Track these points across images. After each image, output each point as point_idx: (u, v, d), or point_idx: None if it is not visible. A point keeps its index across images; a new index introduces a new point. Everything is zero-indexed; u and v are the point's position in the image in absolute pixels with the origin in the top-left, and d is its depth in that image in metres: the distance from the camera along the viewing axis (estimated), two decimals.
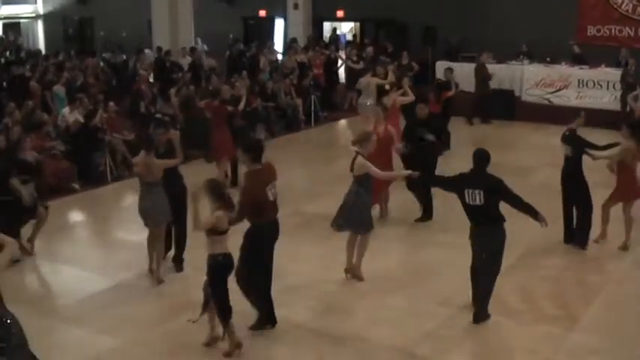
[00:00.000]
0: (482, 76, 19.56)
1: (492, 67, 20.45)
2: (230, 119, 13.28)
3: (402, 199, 11.76)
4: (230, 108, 13.37)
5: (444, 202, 10.83)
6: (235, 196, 7.59)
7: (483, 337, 7.85)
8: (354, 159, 8.81)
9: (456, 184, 8.09)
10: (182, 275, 9.46)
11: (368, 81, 16.44)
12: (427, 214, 11.41)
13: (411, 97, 13.89)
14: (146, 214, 9.09)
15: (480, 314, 8.09)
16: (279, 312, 7.88)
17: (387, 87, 15.87)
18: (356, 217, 8.89)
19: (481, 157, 7.94)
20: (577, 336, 7.83)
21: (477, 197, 7.79)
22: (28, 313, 7.96)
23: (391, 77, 16.54)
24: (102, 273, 9.64)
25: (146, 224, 9.22)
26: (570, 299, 8.73)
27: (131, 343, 7.79)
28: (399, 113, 13.83)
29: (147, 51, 22.39)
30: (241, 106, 13.83)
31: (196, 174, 13.27)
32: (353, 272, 9.18)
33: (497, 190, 7.82)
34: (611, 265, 9.83)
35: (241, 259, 7.49)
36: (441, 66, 21.51)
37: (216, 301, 7.14)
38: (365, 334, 7.81)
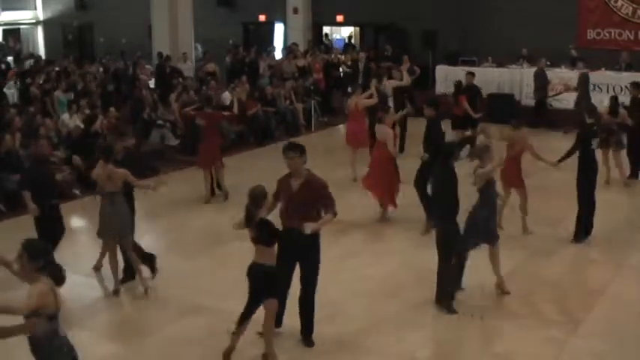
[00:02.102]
0: (540, 82, 19.31)
1: (492, 71, 20.47)
2: (220, 125, 13.20)
3: (405, 202, 11.79)
4: (226, 113, 13.37)
5: None
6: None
7: (485, 341, 7.84)
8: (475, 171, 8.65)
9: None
10: (183, 281, 9.45)
11: (384, 84, 16.47)
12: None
13: (374, 100, 13.99)
14: (114, 223, 8.92)
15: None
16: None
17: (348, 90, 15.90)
18: (481, 228, 8.71)
19: (441, 150, 8.56)
20: (579, 340, 7.82)
21: (429, 188, 8.22)
22: None
23: (407, 79, 16.58)
24: (103, 279, 9.63)
25: (118, 235, 9.05)
26: (572, 303, 8.72)
27: (132, 349, 7.78)
28: (362, 115, 13.85)
29: (148, 66, 22.21)
30: (235, 109, 13.74)
31: (195, 180, 13.35)
32: (501, 286, 8.92)
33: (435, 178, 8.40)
34: (612, 268, 9.82)
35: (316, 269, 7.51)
36: (440, 70, 21.58)
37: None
38: (366, 339, 7.80)
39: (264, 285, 7.02)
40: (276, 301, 7.13)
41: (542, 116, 19.04)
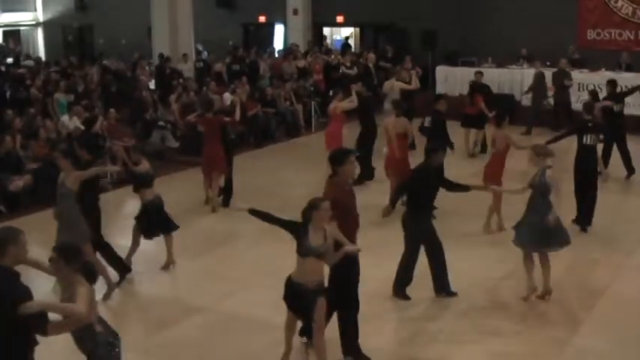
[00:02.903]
0: (561, 83, 18.81)
1: (492, 72, 20.45)
2: (224, 131, 12.91)
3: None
4: (227, 119, 13.15)
5: (451, 207, 10.91)
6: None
7: (486, 341, 7.83)
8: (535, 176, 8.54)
9: None
10: (183, 283, 9.45)
11: (391, 85, 16.47)
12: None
13: (354, 104, 14.00)
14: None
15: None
16: (278, 319, 7.84)
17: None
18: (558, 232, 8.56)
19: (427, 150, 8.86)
20: (580, 340, 7.81)
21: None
22: None
23: (416, 82, 16.60)
24: (101, 279, 9.61)
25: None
26: (572, 303, 8.72)
27: (132, 350, 7.77)
28: (341, 118, 13.87)
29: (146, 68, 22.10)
30: (237, 116, 13.55)
31: (196, 181, 13.34)
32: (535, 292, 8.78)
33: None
34: (612, 267, 9.81)
35: None
36: (440, 71, 21.58)
37: None
38: (368, 339, 7.78)
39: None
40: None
41: (564, 118, 18.94)
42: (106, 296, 8.83)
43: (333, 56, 23.48)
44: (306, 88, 20.59)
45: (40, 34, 33.40)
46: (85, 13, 31.41)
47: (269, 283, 8.54)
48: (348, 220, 7.08)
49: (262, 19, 28.34)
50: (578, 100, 19.06)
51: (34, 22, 33.27)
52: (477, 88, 16.44)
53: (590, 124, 10.94)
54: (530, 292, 8.64)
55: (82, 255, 5.69)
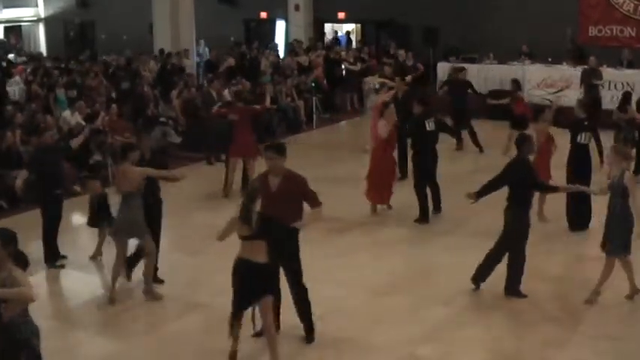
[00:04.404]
0: (589, 81, 18.44)
1: (493, 68, 20.44)
2: (255, 119, 13.29)
3: (404, 199, 11.81)
4: (257, 107, 13.41)
5: (453, 204, 10.91)
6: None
7: (487, 338, 7.83)
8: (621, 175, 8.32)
9: None
10: (184, 278, 9.45)
11: (374, 82, 16.47)
12: (423, 216, 11.45)
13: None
14: (126, 225, 8.81)
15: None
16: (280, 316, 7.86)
17: (377, 86, 15.94)
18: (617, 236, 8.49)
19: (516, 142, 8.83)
20: (580, 337, 7.81)
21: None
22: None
23: (414, 77, 16.66)
24: (103, 276, 9.63)
25: (132, 237, 9.00)
26: (573, 300, 8.71)
27: (132, 346, 7.79)
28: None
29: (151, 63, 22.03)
30: (268, 101, 13.84)
31: (197, 176, 13.35)
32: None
33: None
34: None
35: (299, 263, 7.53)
36: (442, 67, 21.53)
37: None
38: (366, 336, 7.80)
39: (262, 282, 6.91)
40: (272, 298, 7.03)
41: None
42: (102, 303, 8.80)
43: (337, 52, 23.39)
44: (307, 84, 20.56)
45: (41, 30, 33.36)
46: (87, 9, 31.38)
47: None
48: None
49: (264, 15, 28.31)
50: (580, 97, 19.04)
51: (35, 18, 33.23)
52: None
53: (586, 123, 10.84)
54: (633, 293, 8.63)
55: (16, 241, 5.64)
